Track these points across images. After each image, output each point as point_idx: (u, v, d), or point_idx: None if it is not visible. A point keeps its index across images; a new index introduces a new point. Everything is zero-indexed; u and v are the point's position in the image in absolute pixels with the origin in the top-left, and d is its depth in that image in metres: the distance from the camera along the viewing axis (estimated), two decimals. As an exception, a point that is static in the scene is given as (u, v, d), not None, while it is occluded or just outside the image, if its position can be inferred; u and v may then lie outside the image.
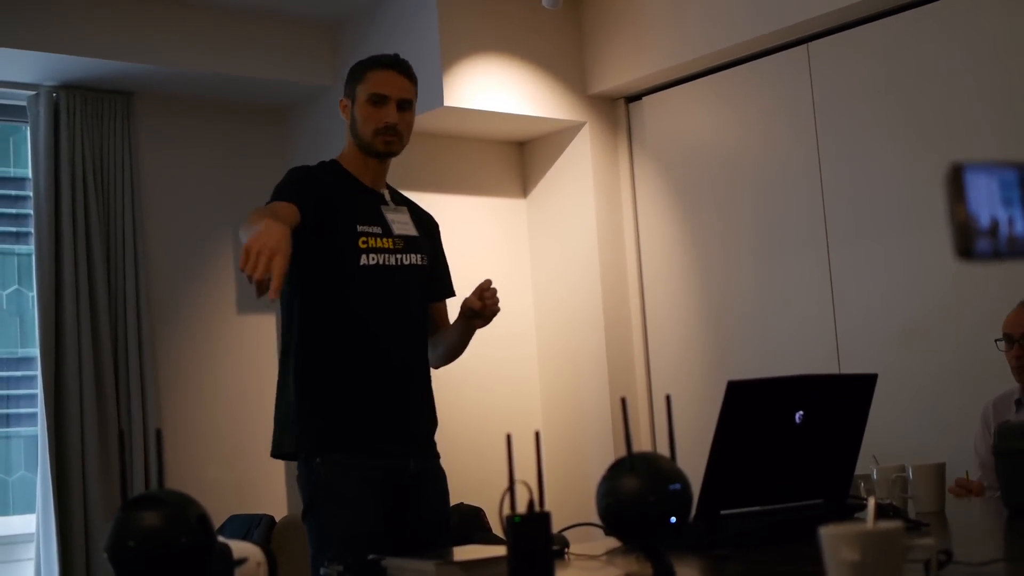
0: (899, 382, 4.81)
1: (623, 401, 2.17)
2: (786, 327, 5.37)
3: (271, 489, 5.97)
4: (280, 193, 3.28)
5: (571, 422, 5.99)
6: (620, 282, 5.97)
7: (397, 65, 3.45)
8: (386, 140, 3.40)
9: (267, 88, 5.97)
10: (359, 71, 3.46)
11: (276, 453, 3.37)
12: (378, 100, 3.40)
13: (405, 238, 3.41)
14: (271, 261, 2.74)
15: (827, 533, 1.54)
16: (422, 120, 5.67)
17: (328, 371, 3.30)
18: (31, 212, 5.57)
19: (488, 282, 3.39)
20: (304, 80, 5.88)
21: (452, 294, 3.64)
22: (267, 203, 3.27)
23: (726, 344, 5.60)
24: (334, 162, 3.50)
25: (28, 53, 5.26)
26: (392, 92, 3.41)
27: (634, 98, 6.11)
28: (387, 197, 3.48)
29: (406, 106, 3.45)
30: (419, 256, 3.43)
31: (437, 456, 3.45)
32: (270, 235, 2.79)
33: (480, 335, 3.54)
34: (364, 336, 3.30)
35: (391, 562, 2.56)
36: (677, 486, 2.13)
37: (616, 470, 2.17)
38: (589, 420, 5.91)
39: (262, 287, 2.75)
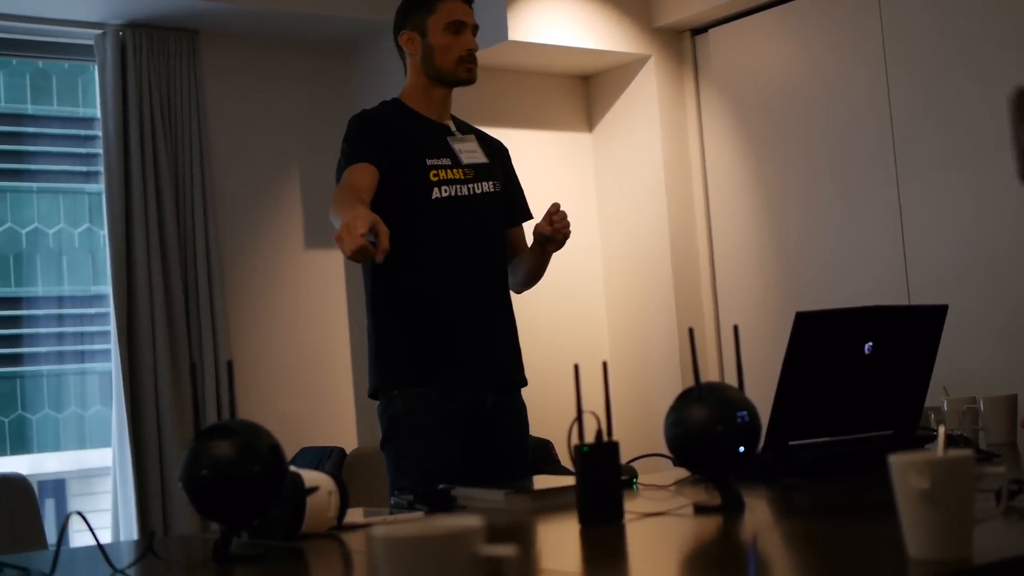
0: (970, 313, 4.76)
1: (690, 331, 2.18)
2: (855, 259, 5.33)
3: (342, 422, 6.03)
4: (350, 153, 3.28)
5: (638, 353, 6.00)
6: (687, 215, 5.94)
7: None
8: (468, 67, 3.42)
9: (331, 24, 5.97)
10: (427, 1, 3.44)
11: (369, 393, 3.39)
12: (458, 27, 3.41)
13: (475, 166, 3.41)
14: (374, 226, 2.77)
15: (897, 461, 1.53)
16: (486, 55, 5.66)
17: (406, 307, 3.31)
18: (100, 151, 5.62)
19: (556, 206, 3.37)
20: (367, 15, 5.86)
21: (529, 217, 3.63)
22: (344, 167, 3.26)
23: (794, 276, 5.57)
24: (395, 100, 3.50)
25: (95, -8, 5.29)
26: (468, 18, 3.44)
27: (700, 31, 6.05)
28: (453, 127, 3.48)
29: (475, 32, 3.47)
30: (491, 183, 3.42)
31: (523, 384, 3.45)
32: (364, 217, 2.80)
33: (548, 268, 3.54)
34: (441, 269, 3.31)
35: (461, 491, 2.59)
36: (745, 416, 2.14)
37: (684, 400, 2.18)
38: (656, 351, 5.91)
39: (366, 252, 2.76)
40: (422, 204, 3.30)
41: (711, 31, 5.98)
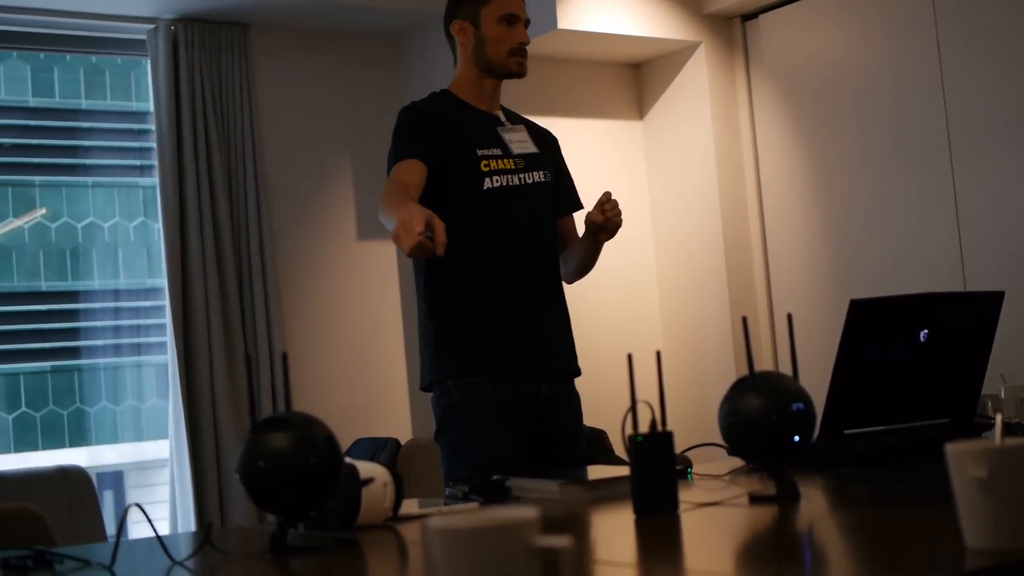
0: (1026, 299, 4.71)
1: (744, 320, 2.17)
2: (910, 245, 5.29)
3: (396, 413, 6.05)
4: (399, 148, 3.28)
5: (692, 343, 5.98)
6: (739, 202, 5.92)
7: None
8: (519, 60, 3.42)
9: (380, 15, 5.98)
10: None
11: (421, 385, 3.39)
12: (511, 19, 3.41)
13: (526, 156, 3.40)
14: (429, 221, 2.78)
15: (954, 450, 1.52)
16: (536, 44, 5.64)
17: (458, 297, 3.31)
18: (154, 145, 5.66)
19: (607, 195, 3.36)
20: (416, 5, 5.87)
21: (580, 206, 3.62)
22: (393, 161, 3.27)
23: (848, 263, 5.54)
24: (445, 92, 3.50)
25: (147, -13, 5.33)
26: (520, 12, 3.44)
27: (750, 16, 6.02)
28: (502, 118, 3.48)
29: (527, 25, 3.47)
30: (542, 173, 3.42)
31: (577, 373, 3.44)
32: (419, 214, 2.81)
33: (600, 258, 3.53)
34: (493, 259, 3.31)
35: (516, 482, 2.59)
36: (800, 405, 2.13)
37: (738, 389, 2.17)
38: (710, 340, 5.89)
39: (424, 248, 2.77)
40: (474, 195, 3.30)
41: (761, 16, 5.94)
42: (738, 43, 6.03)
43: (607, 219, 3.33)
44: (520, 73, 3.44)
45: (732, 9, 5.92)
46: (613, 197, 3.36)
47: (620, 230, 3.39)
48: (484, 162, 3.32)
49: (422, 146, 3.24)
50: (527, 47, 3.44)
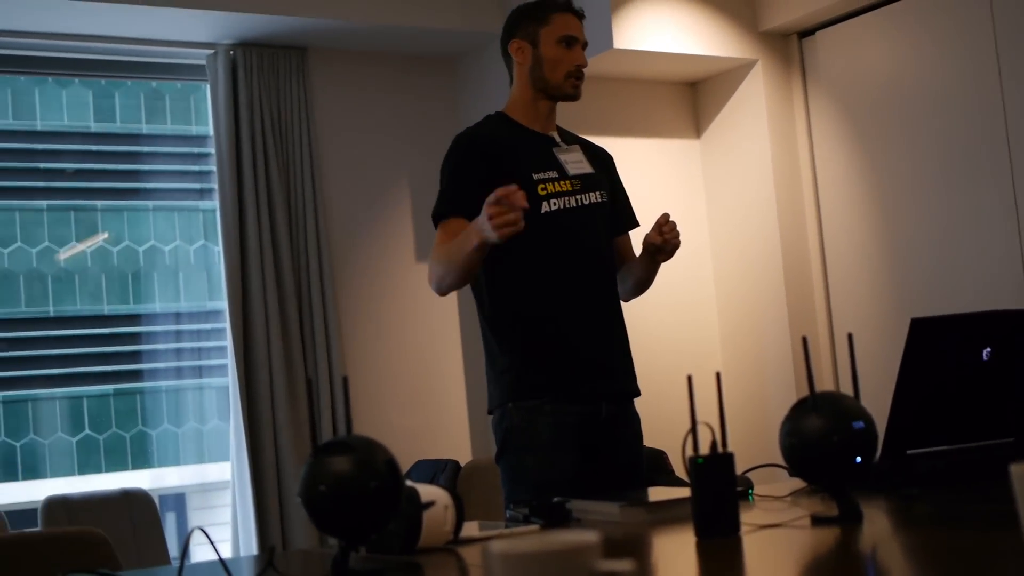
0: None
1: (804, 340, 2.16)
2: (971, 263, 5.24)
3: (455, 435, 6.06)
4: (448, 197, 3.32)
5: (751, 362, 5.95)
6: (798, 221, 5.89)
7: (576, 8, 3.48)
8: (575, 83, 3.42)
9: (436, 37, 6.01)
10: (541, 12, 3.45)
11: (488, 409, 3.41)
12: (570, 41, 3.41)
13: (582, 177, 3.40)
14: (495, 202, 2.91)
15: (1018, 470, 1.51)
16: (593, 63, 5.63)
17: (517, 320, 3.31)
18: (214, 169, 5.72)
19: (666, 216, 3.34)
20: (471, 27, 5.90)
21: (636, 224, 3.61)
22: (441, 201, 3.32)
23: (909, 281, 5.49)
24: (500, 114, 3.50)
25: (206, 13, 5.38)
26: (579, 34, 3.44)
27: (807, 33, 5.99)
28: (557, 139, 3.47)
29: (585, 47, 3.47)
30: (598, 193, 3.41)
31: (636, 394, 3.43)
32: (482, 216, 2.95)
33: (658, 278, 3.52)
34: (551, 281, 3.31)
35: (577, 504, 2.59)
36: (861, 425, 2.11)
37: (799, 410, 2.16)
38: (769, 360, 5.86)
39: (510, 221, 2.90)
40: (531, 218, 3.29)
41: (818, 33, 5.92)
42: (795, 60, 6.00)
43: (665, 240, 3.32)
44: (575, 96, 3.44)
45: (788, 26, 5.90)
46: (671, 219, 3.35)
47: (679, 250, 3.38)
48: (540, 186, 3.32)
49: (470, 199, 3.20)
50: (584, 69, 3.44)
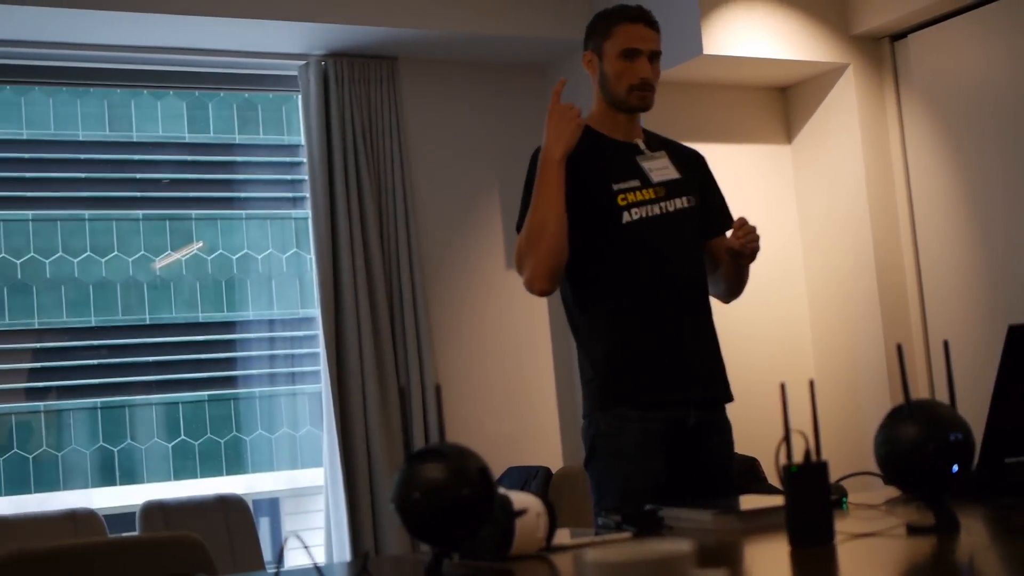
0: None
1: (899, 348, 2.14)
2: (1069, 267, 5.16)
3: (547, 441, 6.07)
4: (526, 206, 3.33)
5: (845, 370, 5.89)
6: (891, 227, 5.82)
7: (644, 17, 3.41)
8: (642, 95, 3.37)
9: (525, 45, 6.03)
10: (605, 25, 3.42)
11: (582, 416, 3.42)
12: (631, 54, 3.37)
13: (666, 184, 3.37)
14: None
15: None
16: (681, 70, 5.66)
17: (603, 329, 3.31)
18: (306, 178, 5.78)
19: (742, 220, 3.31)
20: (561, 35, 5.91)
21: (731, 226, 3.58)
22: (524, 209, 3.36)
23: (1006, 287, 5.41)
24: (583, 125, 3.49)
25: (298, 24, 5.44)
26: (643, 45, 3.37)
27: (899, 36, 5.93)
28: (642, 146, 3.44)
29: (656, 58, 3.40)
30: (685, 199, 3.38)
31: (727, 399, 3.40)
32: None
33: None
34: (637, 289, 3.30)
35: (669, 512, 2.58)
36: (958, 434, 2.09)
37: (894, 418, 2.14)
38: (863, 368, 5.80)
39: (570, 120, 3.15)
40: (613, 230, 3.29)
41: (911, 36, 5.85)
42: (887, 64, 5.94)
43: (742, 245, 3.29)
44: (642, 108, 3.39)
45: (880, 30, 5.84)
46: (749, 223, 3.31)
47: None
48: (621, 196, 3.30)
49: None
50: (652, 80, 3.38)
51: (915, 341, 5.78)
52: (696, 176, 3.50)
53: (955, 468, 2.08)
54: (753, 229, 3.29)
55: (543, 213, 3.21)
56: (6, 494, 5.34)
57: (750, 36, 5.64)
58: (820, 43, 5.81)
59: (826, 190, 5.99)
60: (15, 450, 5.41)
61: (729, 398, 3.41)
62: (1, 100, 5.60)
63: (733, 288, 3.52)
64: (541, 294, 3.33)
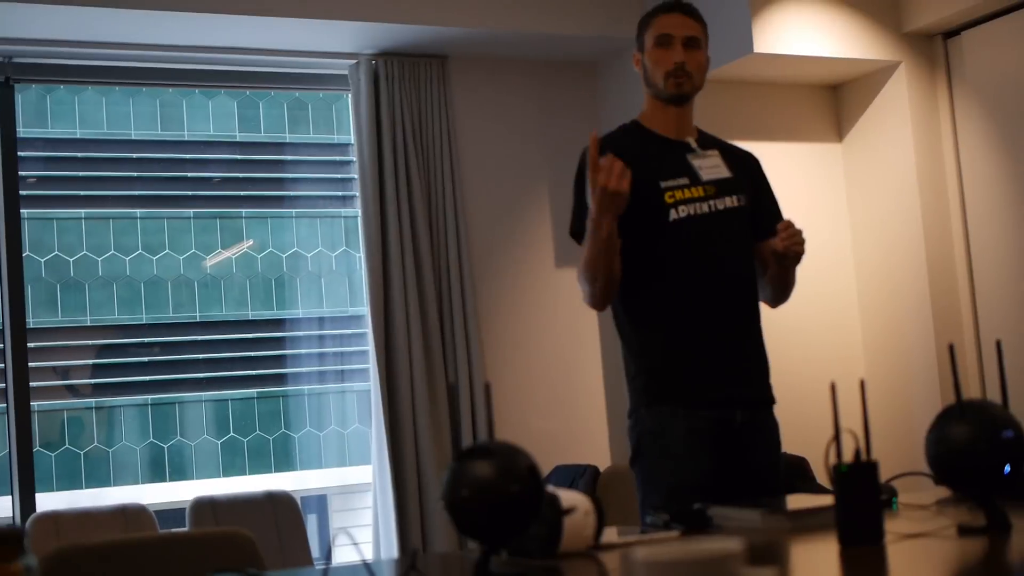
0: None
1: (950, 347, 2.13)
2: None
3: (594, 440, 6.06)
4: (581, 209, 3.33)
5: (896, 370, 5.85)
6: (943, 225, 5.78)
7: (679, 6, 3.42)
8: (677, 81, 3.35)
9: (576, 43, 6.02)
10: (645, 21, 3.44)
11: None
12: (664, 41, 3.36)
13: (716, 182, 3.36)
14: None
15: None
16: (731, 68, 5.64)
17: (650, 327, 3.31)
18: (356, 176, 5.79)
19: (786, 223, 3.28)
20: (611, 32, 5.90)
21: None
22: (576, 209, 3.39)
23: (1058, 286, 5.36)
24: (634, 123, 3.48)
25: (348, 23, 5.46)
26: (676, 31, 3.36)
27: (952, 33, 5.88)
28: (693, 144, 3.43)
29: (693, 44, 3.38)
30: (735, 198, 3.37)
31: (772, 402, 3.39)
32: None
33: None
34: (684, 288, 3.29)
35: (717, 511, 2.58)
36: (1010, 433, 2.08)
37: (945, 418, 2.13)
38: (914, 367, 5.76)
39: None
40: (660, 227, 3.28)
41: (964, 33, 5.80)
42: (940, 61, 5.89)
43: (786, 247, 3.26)
44: (676, 95, 3.37)
45: (933, 27, 5.80)
46: (794, 226, 3.27)
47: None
48: (668, 193, 3.30)
49: None
50: (687, 66, 3.35)
51: (967, 341, 5.73)
52: (748, 177, 3.48)
53: (1007, 468, 2.06)
54: (798, 232, 3.26)
55: (593, 270, 3.23)
56: (58, 489, 5.39)
57: (801, 34, 5.61)
58: (872, 41, 5.77)
59: (877, 189, 5.95)
60: (67, 446, 5.46)
61: (772, 400, 3.39)
62: (55, 100, 5.66)
63: (779, 292, 3.48)
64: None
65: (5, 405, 5.27)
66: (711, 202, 3.33)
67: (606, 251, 3.17)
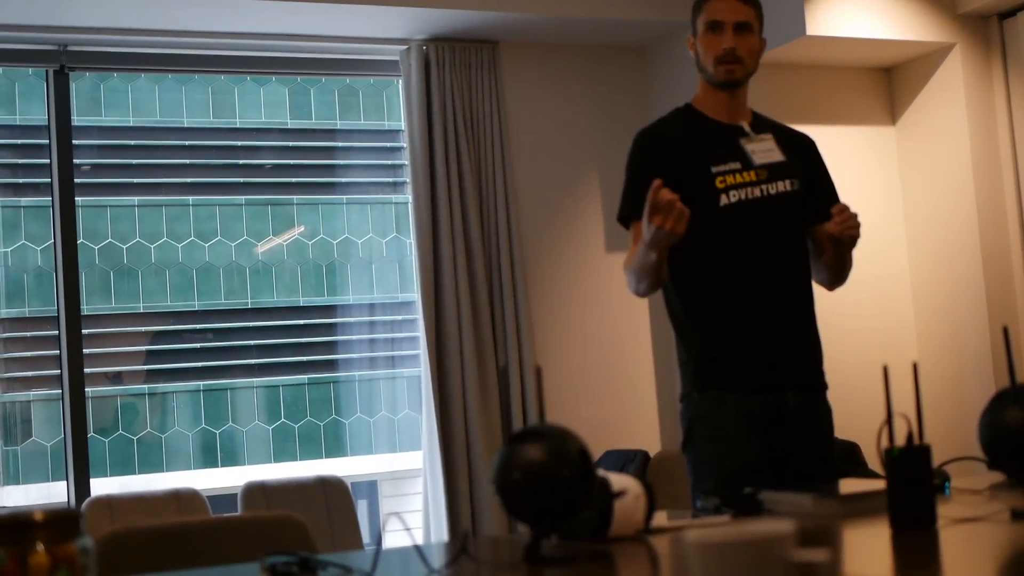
0: None
1: (1005, 330, 2.11)
2: None
3: (645, 425, 6.05)
4: (632, 197, 3.31)
5: (948, 353, 5.81)
6: (998, 208, 5.72)
7: None
8: (728, 68, 3.32)
9: (626, 28, 6.00)
10: (697, 5, 3.41)
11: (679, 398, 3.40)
12: (714, 26, 3.33)
13: (769, 166, 3.33)
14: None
15: None
16: (784, 51, 5.60)
17: (701, 312, 3.30)
18: (406, 163, 5.80)
19: (841, 206, 3.24)
20: (662, 17, 5.87)
21: None
22: (625, 206, 3.35)
23: (1115, 270, 5.29)
24: (687, 106, 3.46)
25: (399, 9, 5.47)
26: (726, 16, 3.33)
27: (1008, 14, 5.81)
28: (747, 127, 3.40)
29: (744, 29, 3.34)
30: (788, 182, 3.34)
31: (824, 388, 3.37)
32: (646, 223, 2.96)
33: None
34: (735, 272, 3.27)
35: (768, 495, 2.57)
36: (1066, 417, 2.05)
37: (999, 402, 2.11)
38: (967, 351, 5.71)
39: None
40: (711, 212, 3.26)
41: (1020, 14, 5.73)
42: (995, 43, 5.83)
43: (841, 231, 3.23)
44: (727, 81, 3.34)
45: (988, 8, 5.73)
46: (849, 209, 3.25)
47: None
48: (720, 178, 3.28)
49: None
50: (738, 51, 3.32)
51: (1021, 324, 5.67)
52: (803, 160, 3.45)
53: (1062, 453, 2.04)
54: (853, 216, 3.23)
55: (639, 275, 3.22)
56: (111, 475, 5.45)
57: (854, 16, 5.57)
58: (926, 22, 5.71)
59: (931, 171, 5.90)
60: (120, 432, 5.51)
61: (824, 385, 3.37)
62: (109, 88, 5.70)
63: (835, 276, 3.46)
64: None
65: (60, 391, 5.32)
66: (763, 187, 3.31)
67: (655, 267, 3.16)
